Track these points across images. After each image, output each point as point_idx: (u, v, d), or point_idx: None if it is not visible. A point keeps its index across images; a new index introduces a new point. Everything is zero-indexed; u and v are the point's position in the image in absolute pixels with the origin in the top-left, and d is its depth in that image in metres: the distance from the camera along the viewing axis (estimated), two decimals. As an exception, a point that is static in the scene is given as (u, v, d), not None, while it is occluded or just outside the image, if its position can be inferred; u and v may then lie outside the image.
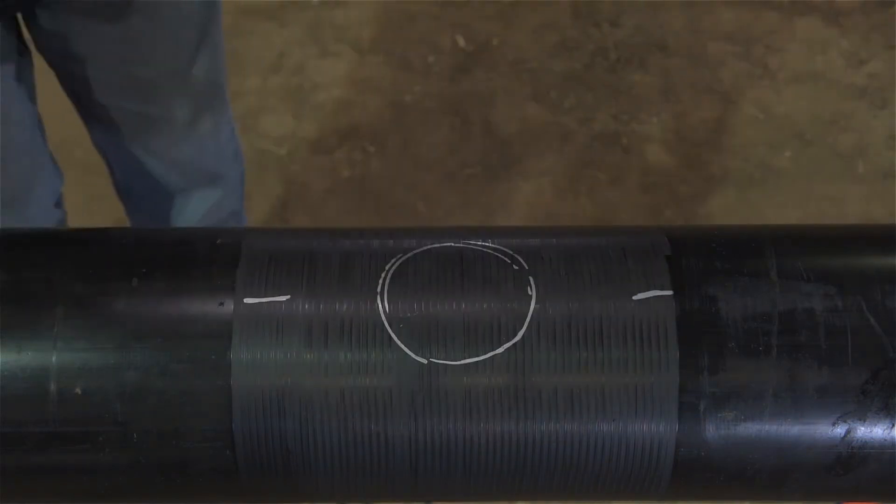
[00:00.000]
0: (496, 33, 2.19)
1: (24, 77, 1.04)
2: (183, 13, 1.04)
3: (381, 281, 0.60)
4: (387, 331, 0.58)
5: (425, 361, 0.58)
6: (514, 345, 0.58)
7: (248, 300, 0.59)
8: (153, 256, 0.61)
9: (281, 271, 0.60)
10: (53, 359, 0.57)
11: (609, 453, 0.58)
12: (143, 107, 1.11)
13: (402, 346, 0.58)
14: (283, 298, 0.59)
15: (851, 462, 0.59)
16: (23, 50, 1.04)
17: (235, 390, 0.57)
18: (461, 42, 2.17)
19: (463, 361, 0.58)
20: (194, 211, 1.29)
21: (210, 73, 1.14)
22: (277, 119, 2.07)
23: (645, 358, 0.58)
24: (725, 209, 1.93)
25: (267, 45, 2.19)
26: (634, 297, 0.59)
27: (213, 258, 0.61)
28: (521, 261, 0.59)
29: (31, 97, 1.08)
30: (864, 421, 0.58)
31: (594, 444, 0.58)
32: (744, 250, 0.61)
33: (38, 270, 0.60)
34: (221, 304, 0.59)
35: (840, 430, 0.58)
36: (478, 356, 0.58)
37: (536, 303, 0.59)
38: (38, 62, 1.11)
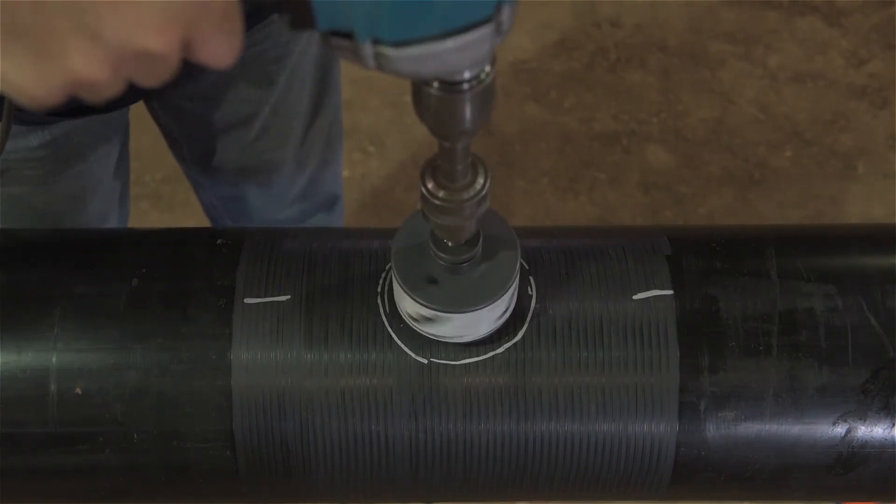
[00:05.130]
0: (496, 33, 2.18)
1: (124, 149, 1.02)
2: (311, 53, 1.01)
3: (381, 281, 0.60)
4: (387, 331, 0.58)
5: (426, 361, 0.58)
6: (515, 344, 0.58)
7: (248, 300, 0.59)
8: (153, 257, 0.61)
9: (281, 271, 0.60)
10: (53, 359, 0.57)
11: (609, 453, 0.58)
12: (275, 154, 1.08)
13: (403, 346, 0.58)
14: (284, 298, 0.59)
15: (852, 461, 0.59)
16: (128, 123, 1.02)
17: (236, 391, 0.57)
18: (461, 42, 2.16)
19: (463, 361, 0.58)
20: None
21: (336, 109, 1.11)
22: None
23: (645, 358, 0.58)
24: (725, 209, 1.93)
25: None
26: (635, 297, 0.59)
27: (213, 258, 0.61)
28: (522, 261, 0.59)
29: (127, 164, 1.05)
30: (865, 420, 0.58)
31: (594, 443, 0.58)
32: (744, 250, 0.61)
33: (38, 270, 0.60)
34: (221, 304, 0.59)
35: (840, 429, 0.58)
36: (478, 356, 0.58)
37: (536, 303, 0.59)
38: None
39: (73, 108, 0.82)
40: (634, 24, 2.19)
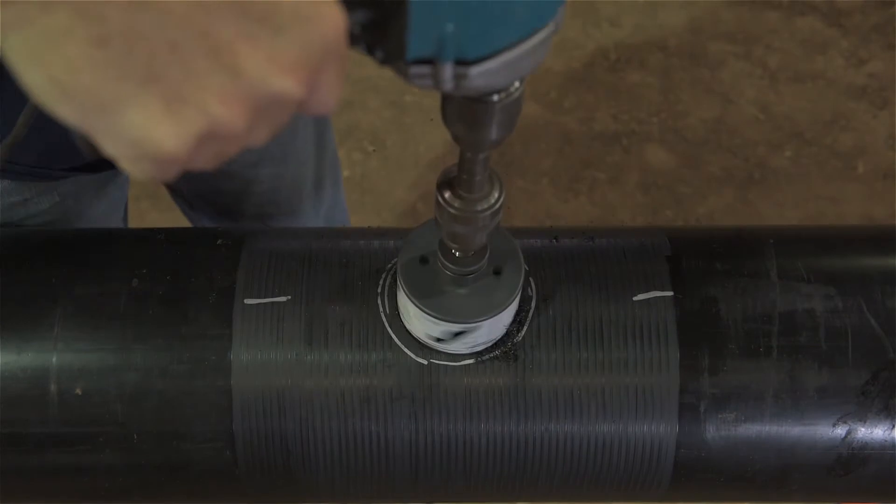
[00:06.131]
0: (496, 33, 2.18)
1: (125, 209, 1.00)
2: None
3: (381, 281, 0.60)
4: (387, 331, 0.58)
5: (425, 362, 0.58)
6: (515, 345, 0.58)
7: (248, 301, 0.59)
8: (153, 257, 0.61)
9: (281, 272, 0.60)
10: (54, 360, 0.57)
11: (609, 454, 0.58)
12: (285, 207, 1.07)
13: (403, 347, 0.58)
14: (284, 299, 0.59)
15: (852, 463, 0.59)
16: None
17: (236, 391, 0.57)
18: (461, 42, 2.15)
19: (463, 362, 0.58)
20: None
21: (333, 142, 1.11)
22: (277, 119, 2.06)
23: (645, 358, 0.58)
24: (725, 209, 1.93)
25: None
26: (635, 298, 0.59)
27: (213, 259, 0.61)
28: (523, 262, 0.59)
29: (125, 204, 1.03)
30: (865, 422, 0.58)
31: (594, 444, 0.58)
32: (744, 251, 0.61)
33: (39, 271, 0.60)
34: (222, 304, 0.59)
35: (840, 431, 0.58)
36: (478, 357, 0.58)
37: (536, 303, 0.59)
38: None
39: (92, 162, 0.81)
40: (634, 24, 2.19)
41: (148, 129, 0.37)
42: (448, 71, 0.39)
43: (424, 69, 0.39)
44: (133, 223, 1.18)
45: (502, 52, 0.39)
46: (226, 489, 0.61)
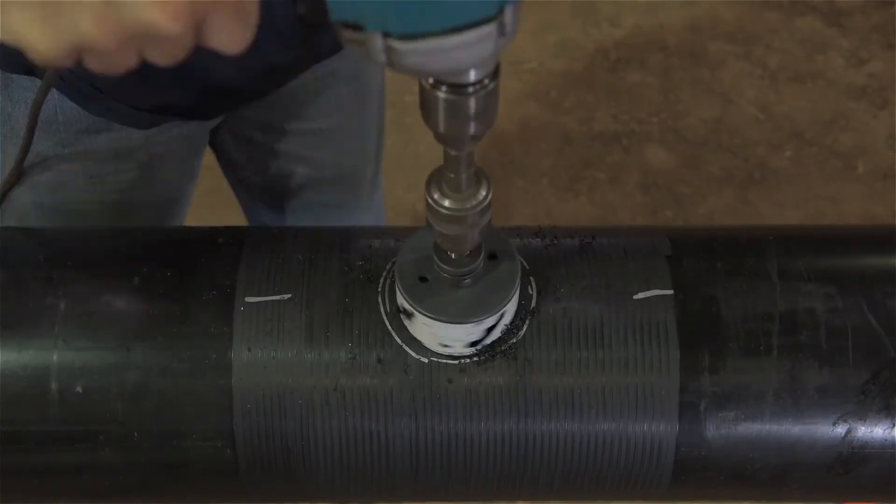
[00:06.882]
0: (496, 33, 2.18)
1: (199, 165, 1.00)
2: (378, 78, 1.00)
3: (381, 280, 0.60)
4: (387, 330, 0.58)
5: (426, 360, 0.58)
6: (515, 344, 0.58)
7: (249, 299, 0.59)
8: (155, 255, 0.61)
9: (282, 270, 0.60)
10: (55, 358, 0.57)
11: (609, 453, 0.59)
12: (340, 193, 1.08)
13: (403, 346, 0.58)
14: (284, 297, 0.59)
15: (852, 462, 0.59)
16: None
17: (236, 390, 0.57)
18: (461, 42, 2.15)
19: (463, 361, 0.58)
20: None
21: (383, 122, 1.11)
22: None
23: (645, 358, 0.58)
24: (725, 209, 1.93)
25: (267, 45, 2.18)
26: (635, 297, 0.59)
27: (214, 257, 0.61)
28: (522, 260, 0.59)
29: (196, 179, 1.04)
30: (865, 421, 0.58)
31: (595, 443, 0.58)
32: (744, 251, 0.61)
33: (40, 269, 0.60)
34: (222, 303, 0.59)
35: (840, 430, 0.58)
36: (478, 355, 0.58)
37: (536, 303, 0.59)
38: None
39: (162, 108, 0.82)
40: (634, 24, 2.20)
41: (25, 29, 0.42)
42: (377, 42, 0.39)
43: (356, 35, 0.40)
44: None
45: (431, 38, 0.39)
46: (226, 488, 0.61)
